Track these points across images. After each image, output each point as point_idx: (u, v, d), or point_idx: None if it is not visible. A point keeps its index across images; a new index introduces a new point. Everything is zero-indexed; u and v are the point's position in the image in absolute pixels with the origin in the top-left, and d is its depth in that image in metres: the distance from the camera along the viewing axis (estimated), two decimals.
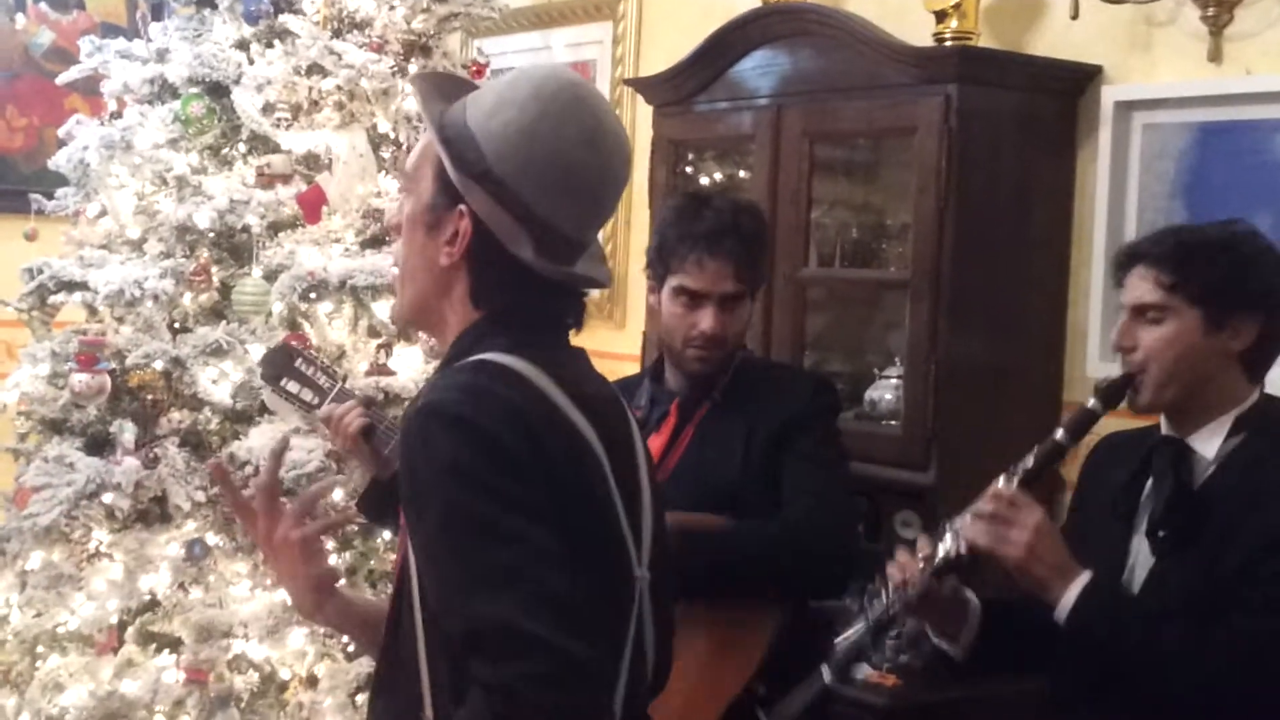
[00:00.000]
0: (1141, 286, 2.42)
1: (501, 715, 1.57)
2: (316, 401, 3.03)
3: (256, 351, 3.87)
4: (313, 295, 3.91)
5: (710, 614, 2.66)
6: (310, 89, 4.13)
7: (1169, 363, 2.39)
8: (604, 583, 1.74)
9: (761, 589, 2.74)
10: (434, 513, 1.66)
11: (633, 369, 3.85)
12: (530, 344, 1.77)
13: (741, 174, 4.19)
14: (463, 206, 1.75)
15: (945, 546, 2.42)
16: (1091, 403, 2.48)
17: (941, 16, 3.72)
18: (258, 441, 3.80)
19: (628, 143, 1.88)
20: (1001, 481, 2.45)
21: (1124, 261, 2.49)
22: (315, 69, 4.12)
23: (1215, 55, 3.44)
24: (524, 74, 1.82)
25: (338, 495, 3.84)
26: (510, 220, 1.75)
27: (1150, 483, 2.46)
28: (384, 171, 4.20)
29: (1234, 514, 2.32)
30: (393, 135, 4.21)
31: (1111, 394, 2.48)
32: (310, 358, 3.10)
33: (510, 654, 1.58)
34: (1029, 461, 2.48)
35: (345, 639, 3.83)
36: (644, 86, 4.44)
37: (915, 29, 3.78)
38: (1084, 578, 2.35)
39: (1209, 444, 2.41)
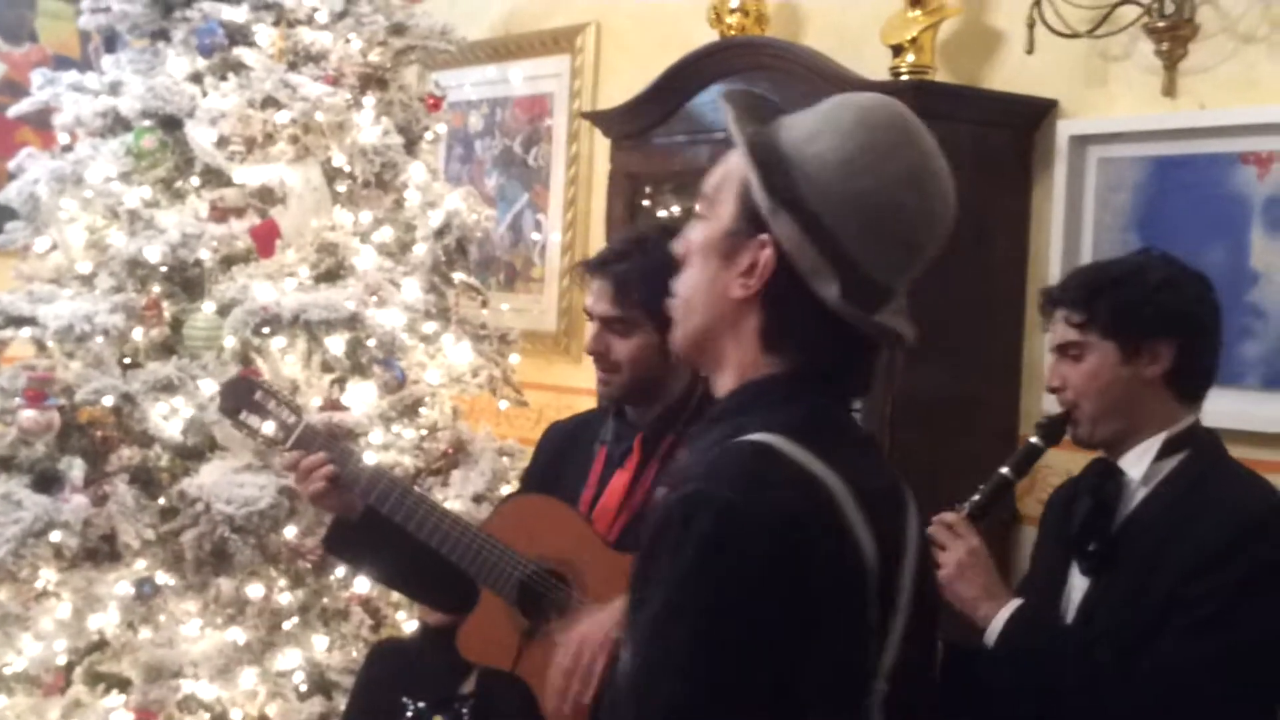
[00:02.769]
0: (1060, 328, 2.49)
1: None
2: (280, 436, 2.98)
3: (208, 387, 3.83)
4: (266, 330, 3.88)
5: None
6: (264, 122, 4.10)
7: (1095, 396, 2.45)
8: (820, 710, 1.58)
9: None
10: (663, 598, 1.50)
11: (589, 403, 3.82)
12: (821, 423, 1.62)
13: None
14: (765, 235, 1.59)
15: None
16: (1034, 439, 2.58)
17: (898, 51, 3.73)
18: (209, 478, 3.75)
19: (952, 187, 1.68)
20: (949, 516, 2.49)
21: (1044, 306, 2.56)
22: (270, 102, 4.09)
23: (1169, 90, 3.45)
24: (851, 100, 1.67)
25: (290, 532, 3.81)
26: (817, 255, 1.58)
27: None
28: (338, 205, 4.17)
29: (1161, 538, 2.34)
30: (348, 169, 4.18)
31: (1052, 430, 2.56)
32: (270, 389, 3.05)
33: None
34: (977, 497, 2.51)
35: (299, 680, 3.79)
36: (602, 120, 4.43)
37: (872, 63, 3.78)
38: (1015, 603, 2.40)
39: (1137, 466, 2.44)
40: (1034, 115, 3.67)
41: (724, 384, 1.69)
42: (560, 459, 2.95)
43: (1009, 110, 3.67)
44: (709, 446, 1.62)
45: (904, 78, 3.66)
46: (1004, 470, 2.52)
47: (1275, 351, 3.23)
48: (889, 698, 1.62)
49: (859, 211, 1.59)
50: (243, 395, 3.02)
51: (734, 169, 1.65)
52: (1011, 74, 3.76)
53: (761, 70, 3.83)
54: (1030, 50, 3.52)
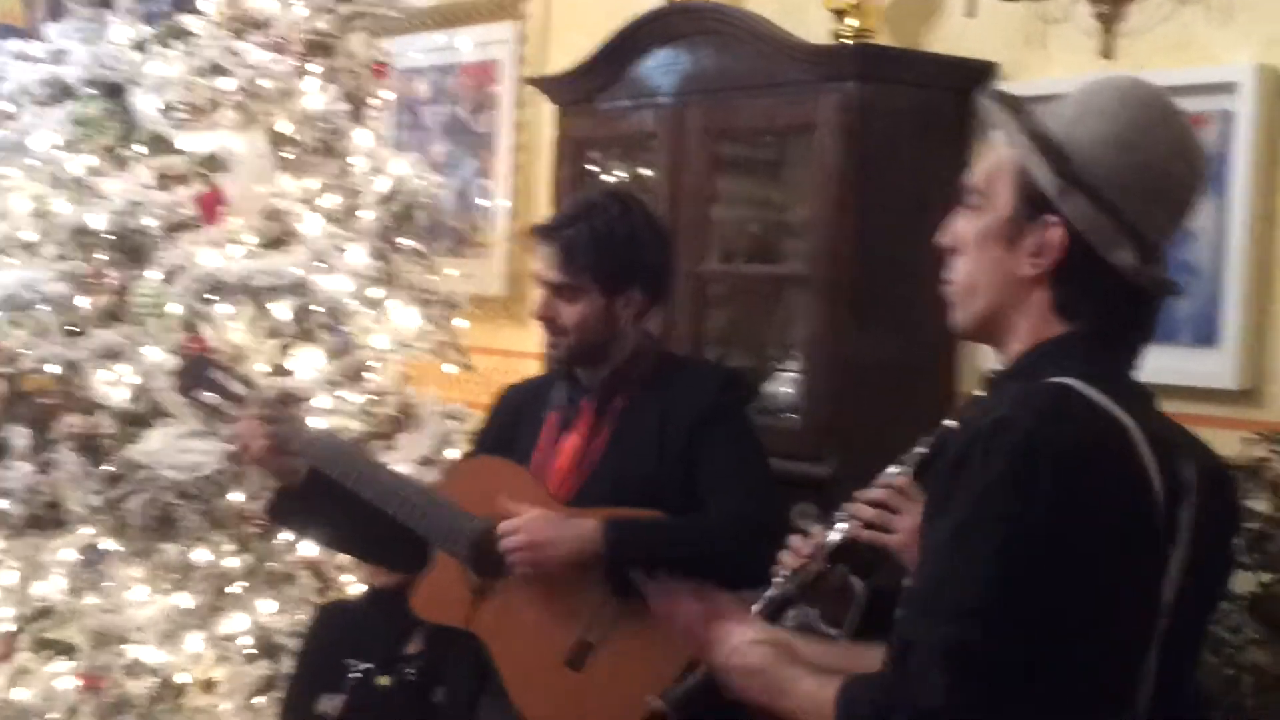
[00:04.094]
0: None
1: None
2: (233, 410, 3.00)
3: (153, 354, 3.82)
4: (211, 297, 3.87)
5: (636, 614, 2.64)
6: (210, 89, 4.09)
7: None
8: (1103, 645, 1.65)
9: (704, 581, 2.74)
10: (967, 509, 1.61)
11: (536, 367, 3.84)
12: (1109, 373, 1.73)
13: (646, 172, 4.19)
14: (1052, 217, 1.72)
15: (837, 534, 2.43)
16: (980, 391, 2.53)
17: (841, 15, 3.74)
18: (154, 444, 3.75)
19: (1203, 150, 1.85)
20: (894, 469, 2.47)
21: None
22: (215, 69, 4.09)
23: (1108, 51, 3.48)
24: (1106, 83, 1.80)
25: (236, 497, 3.81)
26: (1111, 227, 1.71)
27: None
28: (284, 172, 4.17)
29: None
30: (294, 136, 4.18)
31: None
32: (224, 366, 3.08)
33: (925, 671, 1.57)
34: (921, 448, 2.50)
35: (246, 644, 3.80)
36: (548, 86, 4.44)
37: (815, 27, 3.80)
38: None
39: None
40: (974, 77, 3.70)
41: (1013, 351, 1.79)
42: (514, 422, 2.96)
43: (950, 73, 3.69)
44: (1007, 394, 1.72)
45: (847, 41, 3.68)
46: (947, 422, 2.52)
47: (1207, 308, 3.28)
48: (1167, 633, 1.71)
49: (1137, 183, 1.71)
50: (198, 373, 3.04)
51: (1005, 160, 1.77)
52: (952, 37, 3.79)
53: (706, 35, 3.85)
54: (971, 13, 3.56)
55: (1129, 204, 1.71)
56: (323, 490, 2.86)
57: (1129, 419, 1.66)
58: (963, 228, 1.81)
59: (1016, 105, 1.80)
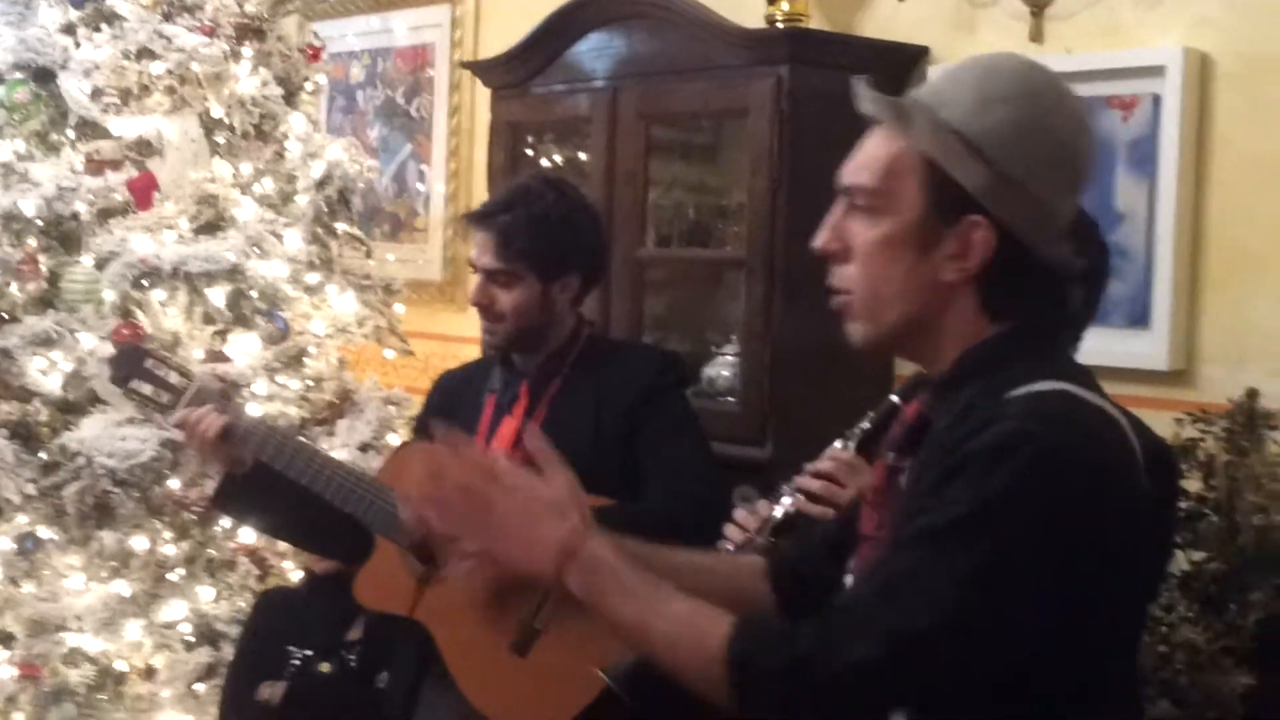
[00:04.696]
0: None
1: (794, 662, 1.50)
2: (170, 401, 2.98)
3: (87, 341, 3.81)
4: (145, 283, 3.86)
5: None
6: (140, 73, 4.07)
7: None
8: (1098, 657, 1.56)
9: None
10: (955, 515, 1.48)
11: (475, 352, 3.84)
12: (1081, 369, 1.65)
13: (581, 156, 4.20)
14: (974, 216, 1.59)
15: (782, 508, 2.47)
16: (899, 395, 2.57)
17: None
18: (89, 432, 3.73)
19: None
20: (839, 444, 2.50)
21: None
22: (145, 53, 4.06)
23: (1036, 35, 3.53)
24: (993, 67, 1.67)
25: (174, 484, 3.80)
26: (1040, 220, 1.61)
27: None
28: (217, 156, 4.14)
29: None
30: (226, 120, 4.16)
31: None
32: (161, 356, 3.04)
33: (855, 637, 1.48)
34: (866, 424, 2.53)
35: (185, 631, 3.79)
36: (482, 69, 4.43)
37: (747, 11, 3.81)
38: None
39: None
40: (906, 62, 3.73)
41: (943, 356, 1.66)
42: (451, 407, 2.97)
43: (882, 57, 3.72)
44: (972, 404, 1.59)
45: (779, 25, 3.70)
46: (892, 397, 2.53)
47: (1139, 291, 3.33)
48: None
49: (1053, 168, 1.62)
50: (133, 364, 3.00)
51: (905, 157, 1.63)
52: (884, 21, 3.82)
53: (639, 19, 3.85)
54: None
55: (1049, 191, 1.62)
56: (267, 479, 2.85)
57: (1119, 414, 1.60)
58: (857, 233, 1.66)
59: (898, 103, 1.67)
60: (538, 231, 2.82)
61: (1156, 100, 3.32)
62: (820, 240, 1.69)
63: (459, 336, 4.74)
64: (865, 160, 1.67)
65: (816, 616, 1.54)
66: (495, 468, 1.70)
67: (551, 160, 4.37)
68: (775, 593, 1.91)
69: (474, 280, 2.88)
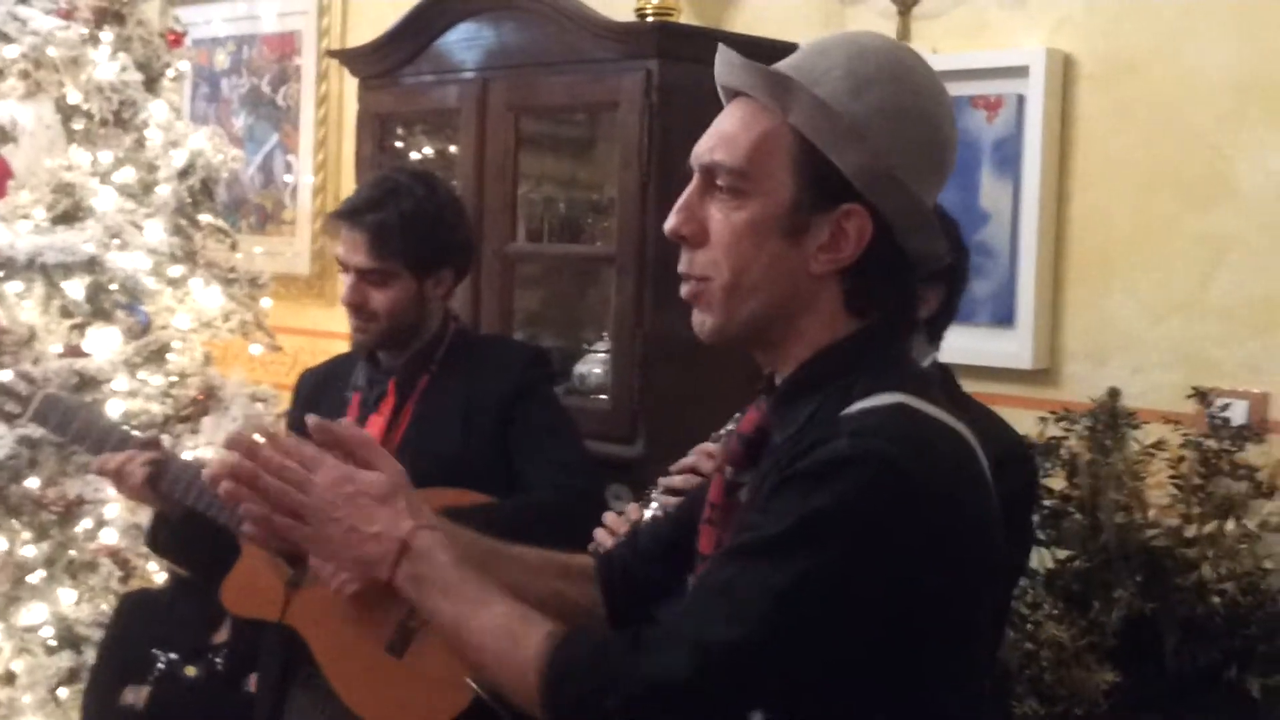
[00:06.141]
0: None
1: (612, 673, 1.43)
2: (18, 411, 2.92)
3: None
4: (0, 274, 3.74)
5: None
6: None
7: None
8: (937, 675, 1.49)
9: None
10: (780, 530, 1.41)
11: (344, 347, 3.79)
12: (921, 373, 1.60)
13: (452, 149, 4.16)
14: (851, 204, 1.49)
15: (650, 511, 2.47)
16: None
17: None
18: None
19: None
20: (710, 444, 2.51)
21: None
22: None
23: (904, 34, 3.57)
24: (862, 45, 1.55)
25: (33, 483, 3.70)
26: (916, 210, 1.52)
27: None
28: (75, 144, 4.04)
29: None
30: (84, 106, 4.05)
31: None
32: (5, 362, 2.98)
33: (666, 649, 1.41)
34: (732, 424, 2.53)
35: (46, 635, 3.71)
36: (350, 59, 4.36)
37: (618, 5, 3.80)
38: None
39: None
40: (775, 58, 3.67)
41: (793, 355, 1.56)
42: (314, 406, 2.93)
43: (751, 53, 3.62)
44: (813, 418, 1.52)
45: (649, 19, 3.69)
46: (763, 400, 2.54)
47: (1003, 290, 3.39)
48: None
49: (925, 157, 1.54)
50: None
51: (776, 137, 1.51)
52: (753, 17, 3.84)
53: (508, 10, 3.82)
54: None
55: (920, 180, 1.53)
56: (202, 523, 2.80)
57: (961, 426, 1.52)
58: (717, 216, 1.54)
59: (779, 74, 1.54)
60: (412, 228, 2.78)
61: (1021, 100, 3.38)
62: (673, 222, 1.57)
63: (327, 332, 4.69)
64: (728, 136, 1.54)
65: (631, 630, 1.47)
66: (314, 457, 1.58)
67: (421, 153, 4.32)
68: (603, 595, 1.85)
69: (342, 279, 2.83)
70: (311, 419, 1.63)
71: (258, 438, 1.60)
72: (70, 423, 2.92)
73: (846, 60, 1.52)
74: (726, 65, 1.58)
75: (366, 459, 1.61)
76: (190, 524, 2.83)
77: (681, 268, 1.59)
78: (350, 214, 2.81)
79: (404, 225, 2.77)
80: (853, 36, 1.59)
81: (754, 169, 1.52)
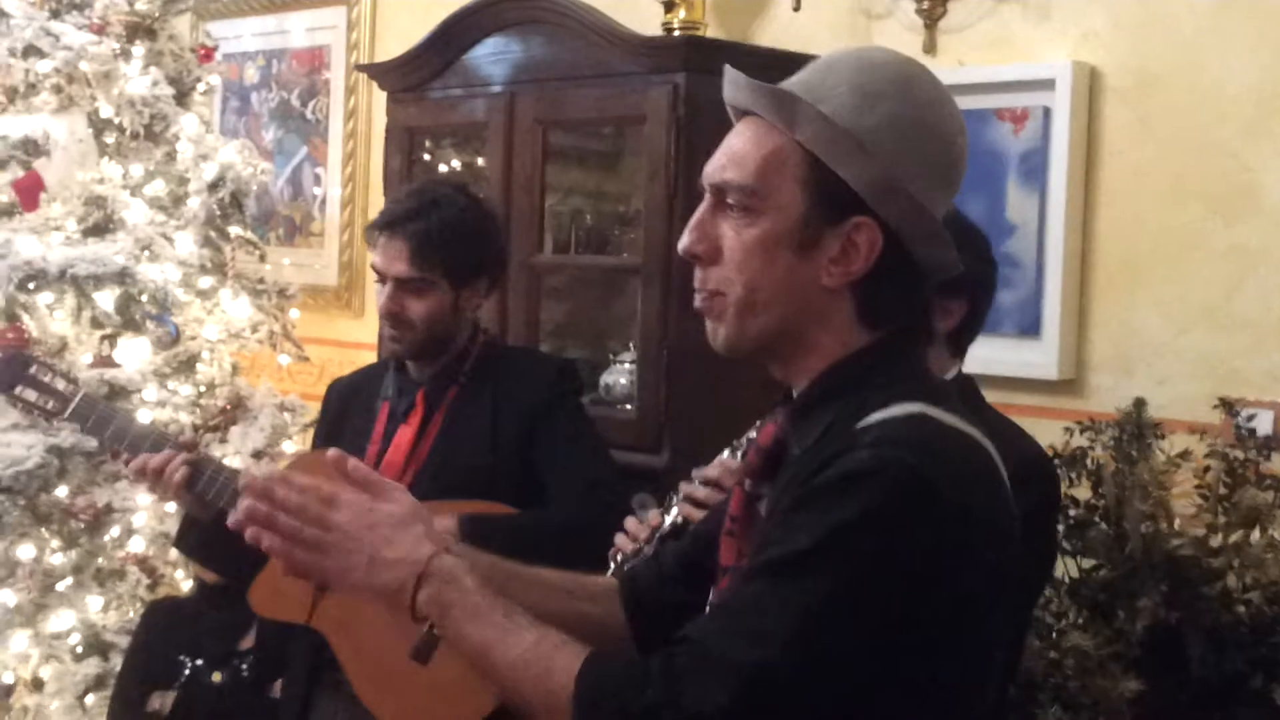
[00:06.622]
0: None
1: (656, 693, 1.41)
2: (56, 408, 2.94)
3: None
4: (32, 285, 3.79)
5: None
6: (26, 71, 4.00)
7: None
8: (957, 687, 1.50)
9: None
10: (809, 544, 1.41)
11: (371, 357, 3.82)
12: (940, 384, 1.59)
13: (480, 161, 4.18)
14: (860, 217, 1.52)
15: (670, 517, 2.48)
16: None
17: (670, 7, 3.79)
18: None
19: None
20: (727, 454, 2.52)
21: None
22: (31, 50, 4.00)
23: (930, 47, 3.58)
24: (869, 61, 1.58)
25: (61, 491, 3.73)
26: (927, 222, 1.53)
27: None
28: (106, 157, 4.08)
29: None
30: (116, 120, 4.09)
31: None
32: (45, 362, 3.01)
33: (704, 676, 1.40)
34: (753, 433, 2.54)
35: (74, 641, 3.73)
36: (378, 73, 4.39)
37: (644, 19, 3.83)
38: None
39: None
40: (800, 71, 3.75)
41: (807, 368, 1.58)
42: (343, 416, 2.95)
43: (777, 66, 3.65)
44: (830, 430, 1.53)
45: (675, 33, 3.72)
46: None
47: (1030, 300, 3.39)
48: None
49: (934, 168, 1.56)
50: (17, 371, 2.96)
51: (784, 154, 1.54)
52: (780, 31, 3.85)
53: (536, 24, 3.84)
54: (798, 8, 3.62)
55: (929, 191, 1.55)
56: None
57: (977, 432, 1.53)
58: (729, 233, 1.57)
59: (784, 92, 1.55)
60: (454, 239, 2.80)
61: (1047, 113, 3.38)
62: (686, 242, 1.60)
63: (355, 342, 4.71)
64: (737, 155, 1.57)
65: (663, 654, 1.45)
66: (332, 493, 1.60)
67: (449, 165, 4.35)
68: (628, 617, 1.85)
69: (378, 289, 2.84)
70: (333, 453, 1.65)
71: (271, 475, 1.63)
72: (108, 423, 2.95)
73: (853, 75, 1.55)
74: (734, 85, 1.61)
75: (380, 495, 1.63)
76: (222, 526, 2.85)
77: (695, 283, 1.62)
78: (391, 223, 2.82)
79: (445, 235, 2.79)
80: (860, 51, 1.63)
81: (764, 186, 1.54)
